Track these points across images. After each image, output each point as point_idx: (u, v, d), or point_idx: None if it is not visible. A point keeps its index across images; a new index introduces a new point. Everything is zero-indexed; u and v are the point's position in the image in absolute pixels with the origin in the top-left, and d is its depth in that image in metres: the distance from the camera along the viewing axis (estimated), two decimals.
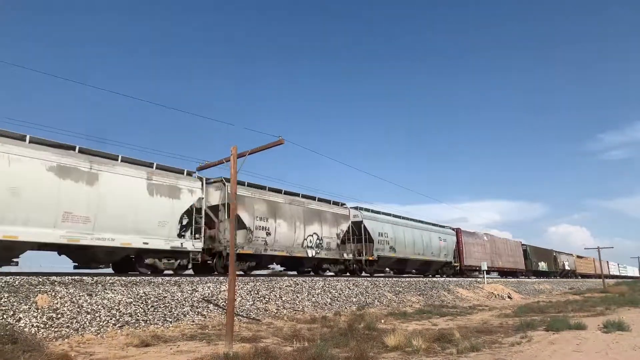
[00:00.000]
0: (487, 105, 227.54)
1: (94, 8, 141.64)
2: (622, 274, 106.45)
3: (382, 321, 15.86)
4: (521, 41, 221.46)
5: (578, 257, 76.08)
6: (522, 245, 53.57)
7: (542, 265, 57.94)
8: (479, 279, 36.83)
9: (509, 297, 31.88)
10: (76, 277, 13.57)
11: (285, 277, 21.57)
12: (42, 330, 10.10)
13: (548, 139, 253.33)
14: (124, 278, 14.57)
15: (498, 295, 31.70)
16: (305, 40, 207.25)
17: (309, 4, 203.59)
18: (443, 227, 38.50)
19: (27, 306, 10.69)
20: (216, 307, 14.58)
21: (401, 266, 32.91)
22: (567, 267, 68.35)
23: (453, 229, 39.81)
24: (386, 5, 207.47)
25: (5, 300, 10.61)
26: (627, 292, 34.66)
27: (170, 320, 12.72)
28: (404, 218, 33.22)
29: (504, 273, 48.10)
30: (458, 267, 38.89)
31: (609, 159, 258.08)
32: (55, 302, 11.25)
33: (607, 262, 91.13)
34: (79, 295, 11.97)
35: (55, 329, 10.32)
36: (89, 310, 11.52)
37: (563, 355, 9.35)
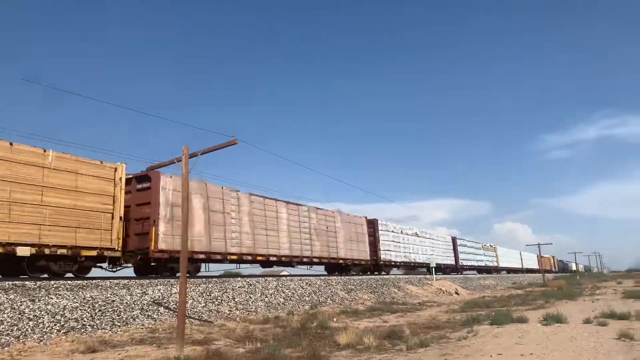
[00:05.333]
0: (437, 107, 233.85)
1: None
2: (473, 264, 54.40)
3: (335, 319, 16.05)
4: (474, 42, 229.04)
5: None
6: None
7: None
8: (428, 276, 37.79)
9: (457, 293, 33.00)
10: (17, 282, 12.92)
11: (239, 278, 21.43)
12: None
13: (494, 139, 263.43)
14: (69, 282, 14.01)
15: (446, 291, 32.75)
16: (272, 41, 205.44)
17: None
18: None
19: None
20: (167, 310, 14.30)
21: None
22: None
23: None
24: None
25: None
26: (565, 286, 36.79)
27: (119, 324, 12.36)
28: None
29: None
30: None
31: (552, 159, 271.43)
32: None
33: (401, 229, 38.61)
34: (21, 301, 11.41)
35: None
36: (31, 316, 11.01)
37: (506, 347, 9.81)
